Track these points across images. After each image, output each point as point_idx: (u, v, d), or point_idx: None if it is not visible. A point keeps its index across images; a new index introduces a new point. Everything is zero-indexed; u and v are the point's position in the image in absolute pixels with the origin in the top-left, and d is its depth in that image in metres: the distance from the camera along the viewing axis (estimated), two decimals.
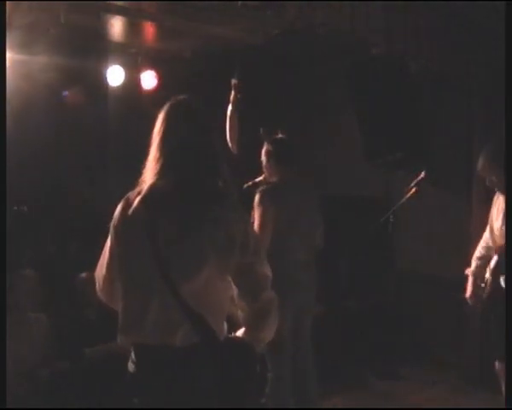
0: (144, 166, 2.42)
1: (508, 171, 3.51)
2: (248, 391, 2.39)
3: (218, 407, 2.31)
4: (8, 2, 3.22)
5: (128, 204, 2.40)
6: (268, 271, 2.45)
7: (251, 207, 4.17)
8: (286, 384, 4.25)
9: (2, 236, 2.77)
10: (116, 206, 2.47)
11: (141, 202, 2.36)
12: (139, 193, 2.39)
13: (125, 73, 6.18)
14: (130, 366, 2.38)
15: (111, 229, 2.45)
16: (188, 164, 2.37)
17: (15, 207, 5.99)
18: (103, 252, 2.50)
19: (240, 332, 2.46)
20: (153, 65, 6.34)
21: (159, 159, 2.38)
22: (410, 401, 5.23)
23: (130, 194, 2.43)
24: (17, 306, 4.42)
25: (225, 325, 2.40)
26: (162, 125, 2.42)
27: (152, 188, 2.36)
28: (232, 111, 4.59)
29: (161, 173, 2.37)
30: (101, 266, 2.50)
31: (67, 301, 5.20)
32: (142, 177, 2.41)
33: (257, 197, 4.20)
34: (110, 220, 2.46)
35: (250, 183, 4.47)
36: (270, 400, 4.22)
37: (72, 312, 4.95)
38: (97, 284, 2.53)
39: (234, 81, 4.65)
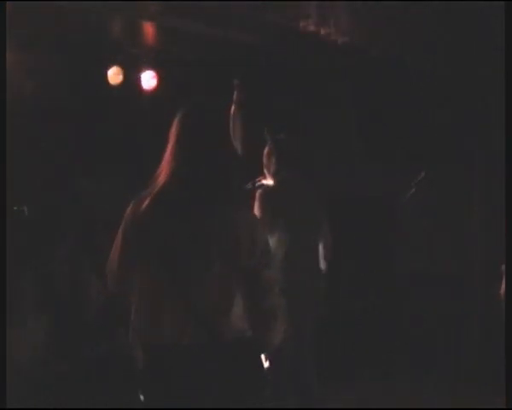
0: (159, 167, 2.44)
1: (508, 171, 3.52)
2: (253, 392, 2.39)
3: (222, 406, 2.32)
4: (8, 3, 3.22)
5: (140, 203, 2.42)
6: (276, 274, 2.46)
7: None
8: (286, 385, 4.24)
9: (2, 236, 2.77)
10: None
11: (151, 201, 2.38)
12: (151, 192, 2.41)
13: (125, 73, 6.18)
14: (139, 365, 2.40)
15: (122, 227, 2.46)
16: (201, 166, 2.39)
17: (15, 208, 5.98)
18: (114, 248, 2.51)
19: (247, 334, 2.45)
20: (153, 65, 6.33)
21: (172, 160, 2.41)
22: (409, 401, 5.23)
23: (143, 193, 2.45)
24: (17, 306, 4.42)
25: (234, 326, 2.39)
26: (177, 126, 2.45)
27: (163, 188, 2.39)
28: (235, 111, 4.60)
29: (174, 174, 2.39)
30: (113, 261, 2.51)
31: (67, 302, 5.20)
32: (156, 176, 2.44)
33: (255, 199, 4.21)
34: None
35: (252, 183, 4.47)
36: (269, 400, 4.22)
37: (72, 312, 4.94)
38: (109, 279, 2.55)
39: (236, 81, 4.66)
